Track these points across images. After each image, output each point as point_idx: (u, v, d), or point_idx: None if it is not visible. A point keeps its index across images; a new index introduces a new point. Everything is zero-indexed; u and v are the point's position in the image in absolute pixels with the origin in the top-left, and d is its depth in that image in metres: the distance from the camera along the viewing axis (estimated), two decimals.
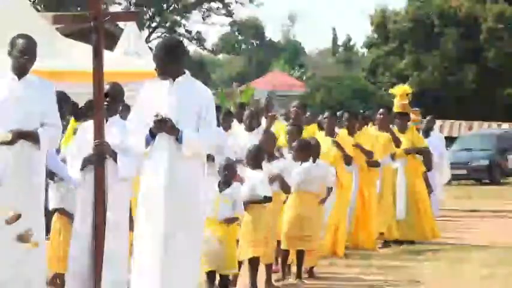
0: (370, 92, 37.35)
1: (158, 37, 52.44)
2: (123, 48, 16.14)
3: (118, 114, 7.09)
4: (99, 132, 6.77)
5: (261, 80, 50.28)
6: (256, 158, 8.66)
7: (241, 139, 10.66)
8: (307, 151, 9.50)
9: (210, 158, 8.34)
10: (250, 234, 8.44)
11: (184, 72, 6.63)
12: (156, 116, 6.44)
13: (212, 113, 6.63)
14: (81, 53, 11.47)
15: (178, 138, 6.44)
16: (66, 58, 11.89)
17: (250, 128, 11.04)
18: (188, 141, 6.43)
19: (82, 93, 11.07)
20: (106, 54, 13.39)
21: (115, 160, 6.76)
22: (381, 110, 12.75)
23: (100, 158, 6.74)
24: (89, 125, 6.90)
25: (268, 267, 8.82)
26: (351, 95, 36.83)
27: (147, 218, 6.50)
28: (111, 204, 6.76)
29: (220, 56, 75.63)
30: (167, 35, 53.01)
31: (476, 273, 9.84)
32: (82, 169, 6.81)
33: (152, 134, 6.51)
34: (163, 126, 6.44)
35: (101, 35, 6.79)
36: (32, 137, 6.64)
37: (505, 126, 34.54)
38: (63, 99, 7.60)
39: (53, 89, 6.97)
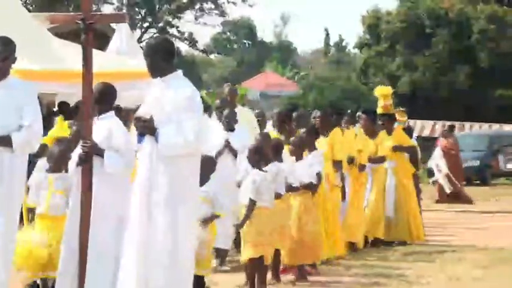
0: (362, 93, 37.33)
1: (150, 37, 52.37)
2: (115, 48, 16.12)
3: (111, 111, 7.12)
4: (86, 133, 6.82)
5: (253, 80, 50.33)
6: (256, 157, 8.62)
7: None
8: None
9: None
10: (252, 235, 8.42)
11: (172, 71, 6.65)
12: (136, 116, 6.54)
13: (191, 112, 6.52)
14: (73, 53, 11.45)
15: (155, 137, 6.46)
16: (58, 58, 11.87)
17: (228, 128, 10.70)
18: (163, 140, 6.42)
19: (74, 94, 11.06)
20: (98, 54, 13.39)
21: (102, 157, 6.82)
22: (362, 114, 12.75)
23: (86, 158, 6.78)
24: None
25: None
26: (343, 95, 36.82)
27: (133, 220, 6.50)
28: (97, 200, 6.78)
29: (213, 56, 75.59)
30: (159, 35, 52.96)
31: (469, 274, 9.85)
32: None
33: (143, 134, 6.55)
34: (140, 125, 6.50)
35: (90, 37, 6.77)
36: (3, 141, 6.53)
37: (496, 127, 34.61)
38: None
39: (34, 90, 6.87)
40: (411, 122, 35.03)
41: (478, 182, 27.76)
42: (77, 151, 6.97)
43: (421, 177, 28.24)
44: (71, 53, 11.78)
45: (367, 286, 9.31)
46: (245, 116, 11.50)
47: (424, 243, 12.55)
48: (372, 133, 12.49)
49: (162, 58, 6.61)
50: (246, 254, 8.46)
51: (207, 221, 8.04)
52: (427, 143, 31.30)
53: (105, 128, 6.95)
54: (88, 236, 6.74)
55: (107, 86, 7.21)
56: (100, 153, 6.84)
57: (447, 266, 10.51)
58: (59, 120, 10.83)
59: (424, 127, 35.23)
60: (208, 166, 8.02)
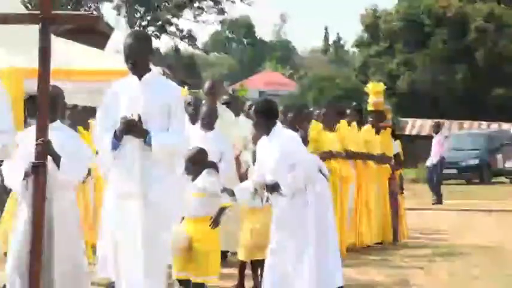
0: (361, 92, 37.35)
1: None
2: (113, 46, 16.10)
3: (58, 120, 6.59)
4: (41, 132, 5.90)
5: (252, 79, 50.36)
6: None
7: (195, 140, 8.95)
8: None
9: None
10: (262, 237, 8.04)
11: (150, 69, 6.31)
12: (124, 118, 6.11)
13: (182, 112, 6.38)
14: (74, 52, 11.43)
15: (147, 140, 6.11)
16: (57, 57, 11.84)
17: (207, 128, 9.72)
18: (157, 143, 6.10)
19: (75, 92, 11.05)
20: (97, 53, 13.38)
21: (57, 164, 6.19)
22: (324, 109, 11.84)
23: (41, 162, 5.89)
24: (31, 130, 6.11)
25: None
26: (342, 94, 36.82)
27: (122, 225, 6.22)
28: (57, 213, 6.13)
29: (212, 55, 75.60)
30: (158, 33, 52.94)
31: (468, 273, 9.85)
32: (24, 179, 6.12)
33: (117, 137, 6.17)
34: (131, 127, 6.09)
35: (48, 37, 6.28)
36: None
37: (495, 126, 34.66)
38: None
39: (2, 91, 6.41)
40: (410, 121, 35.16)
41: (477, 180, 27.81)
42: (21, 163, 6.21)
43: (419, 176, 28.52)
44: (71, 52, 11.76)
45: (366, 286, 9.31)
46: (222, 114, 10.96)
47: (424, 243, 12.53)
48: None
49: (152, 52, 6.35)
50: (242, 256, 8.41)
51: (216, 219, 7.37)
52: (426, 142, 31.37)
53: (57, 136, 6.25)
54: (40, 259, 5.81)
55: (55, 88, 6.57)
56: (57, 158, 6.17)
57: (446, 265, 10.51)
58: None
59: (422, 126, 35.25)
60: (197, 159, 7.51)
